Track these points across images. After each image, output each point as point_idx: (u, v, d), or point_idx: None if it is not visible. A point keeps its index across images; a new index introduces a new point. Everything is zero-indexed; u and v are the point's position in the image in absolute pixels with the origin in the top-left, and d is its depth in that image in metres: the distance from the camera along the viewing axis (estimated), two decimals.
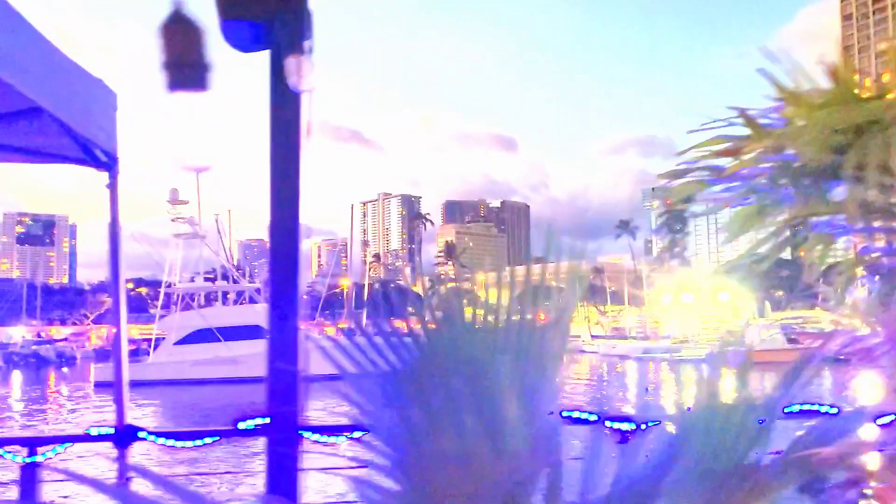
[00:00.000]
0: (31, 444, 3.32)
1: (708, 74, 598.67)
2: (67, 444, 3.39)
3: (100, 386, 45.16)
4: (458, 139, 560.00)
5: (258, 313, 51.54)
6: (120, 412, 3.26)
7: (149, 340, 54.09)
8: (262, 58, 1.71)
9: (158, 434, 3.26)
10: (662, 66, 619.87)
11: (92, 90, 3.16)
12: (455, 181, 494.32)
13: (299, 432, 1.99)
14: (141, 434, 3.23)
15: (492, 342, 1.34)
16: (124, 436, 3.24)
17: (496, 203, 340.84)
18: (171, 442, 3.27)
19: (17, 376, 60.46)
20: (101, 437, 3.29)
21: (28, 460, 3.21)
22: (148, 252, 58.04)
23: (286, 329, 1.61)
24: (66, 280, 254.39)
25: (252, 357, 48.61)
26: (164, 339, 51.53)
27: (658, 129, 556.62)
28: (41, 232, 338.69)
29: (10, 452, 3.31)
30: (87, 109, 3.05)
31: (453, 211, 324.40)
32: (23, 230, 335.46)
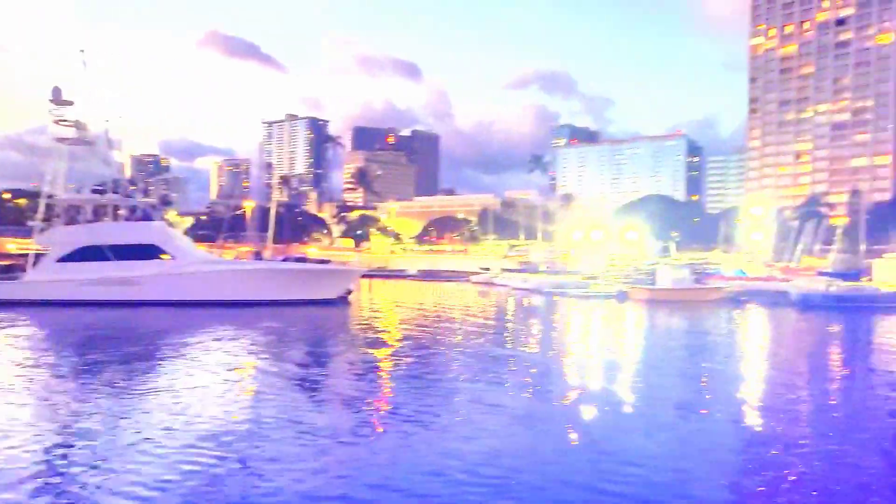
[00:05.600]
0: None
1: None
2: None
3: None
4: (360, 62, 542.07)
5: (154, 231, 47.27)
6: None
7: (26, 256, 48.61)
8: None
9: None
10: None
11: None
12: (358, 106, 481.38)
13: None
14: None
15: None
16: None
17: (406, 132, 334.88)
18: None
19: None
20: None
21: None
22: (28, 160, 51.91)
23: None
24: None
25: (151, 279, 44.69)
26: (44, 255, 46.73)
27: (559, 62, 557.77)
28: None
29: None
30: None
31: (362, 137, 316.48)
32: None
